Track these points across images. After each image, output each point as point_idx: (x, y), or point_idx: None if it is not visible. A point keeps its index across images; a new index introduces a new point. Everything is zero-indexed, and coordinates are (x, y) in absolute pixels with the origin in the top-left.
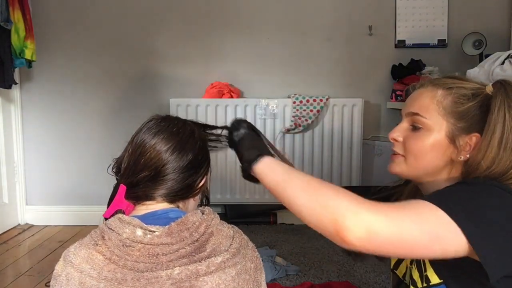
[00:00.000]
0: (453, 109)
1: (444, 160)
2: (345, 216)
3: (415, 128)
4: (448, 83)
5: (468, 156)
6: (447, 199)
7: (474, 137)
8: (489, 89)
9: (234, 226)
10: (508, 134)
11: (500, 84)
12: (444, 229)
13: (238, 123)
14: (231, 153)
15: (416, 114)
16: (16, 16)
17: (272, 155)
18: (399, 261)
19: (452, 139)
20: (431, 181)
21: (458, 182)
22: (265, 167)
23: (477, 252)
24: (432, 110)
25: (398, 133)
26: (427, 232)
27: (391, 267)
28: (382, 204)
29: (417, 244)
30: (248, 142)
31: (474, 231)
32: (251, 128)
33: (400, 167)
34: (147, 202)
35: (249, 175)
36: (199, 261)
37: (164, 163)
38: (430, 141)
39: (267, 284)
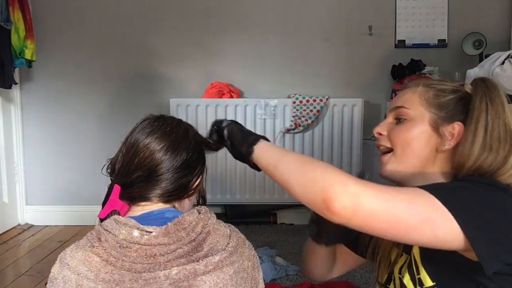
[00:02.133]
0: (434, 101)
1: (429, 150)
2: (333, 186)
3: (399, 121)
4: (430, 83)
5: (452, 144)
6: (443, 189)
7: (456, 126)
8: (468, 87)
9: (231, 225)
10: (492, 122)
11: (480, 80)
12: (436, 214)
13: (218, 122)
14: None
15: (400, 106)
16: (16, 16)
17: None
18: (389, 278)
19: (436, 127)
20: (422, 179)
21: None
22: (262, 149)
23: (470, 242)
24: (415, 101)
25: (383, 126)
26: (418, 213)
27: (381, 281)
28: (372, 182)
29: (405, 223)
30: (238, 131)
31: (468, 220)
32: (232, 121)
33: (391, 165)
34: (142, 203)
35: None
36: (197, 261)
37: (158, 163)
38: (415, 130)
39: (267, 284)
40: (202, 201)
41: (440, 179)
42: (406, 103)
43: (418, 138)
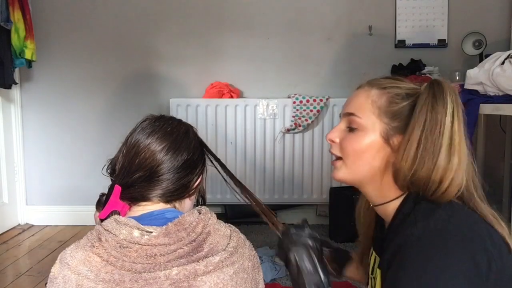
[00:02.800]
0: (387, 109)
1: (381, 162)
2: None
3: (351, 129)
4: (383, 83)
5: None
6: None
7: None
8: (423, 88)
9: (231, 226)
10: (427, 134)
11: (430, 84)
12: None
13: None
14: (230, 153)
15: (352, 114)
16: (16, 16)
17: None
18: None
19: (387, 139)
20: (374, 187)
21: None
22: None
23: None
24: (367, 109)
25: (336, 133)
26: None
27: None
28: None
29: None
30: (294, 268)
31: None
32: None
33: (342, 172)
34: (143, 203)
35: None
36: (197, 261)
37: (159, 163)
38: (365, 141)
39: (267, 284)
40: (202, 201)
41: (391, 190)
42: (358, 110)
43: (369, 150)
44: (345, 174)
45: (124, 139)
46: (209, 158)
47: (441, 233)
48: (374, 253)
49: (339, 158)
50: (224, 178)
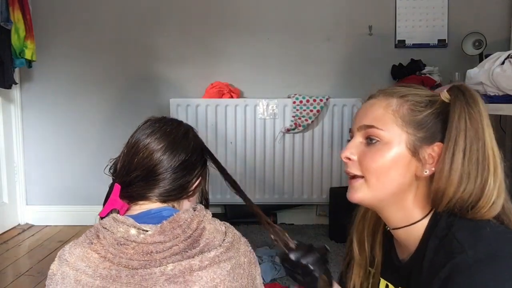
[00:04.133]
0: (410, 118)
1: (408, 177)
2: None
3: (370, 142)
4: (401, 91)
5: (433, 169)
6: None
7: (436, 147)
8: (444, 96)
9: (226, 223)
10: (471, 145)
11: (458, 90)
12: None
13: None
14: (230, 153)
15: (371, 126)
16: (16, 16)
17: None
18: None
19: (414, 151)
20: (398, 207)
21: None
22: None
23: None
24: (389, 120)
25: (352, 149)
26: None
27: None
28: None
29: None
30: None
31: None
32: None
33: (362, 192)
34: (141, 202)
35: None
36: (192, 257)
37: (156, 162)
38: (391, 155)
39: (267, 284)
40: (205, 203)
41: (416, 209)
42: (378, 122)
43: (395, 165)
44: (366, 194)
45: (124, 139)
46: (209, 160)
47: (494, 258)
48: (382, 280)
49: (357, 177)
50: (225, 182)
